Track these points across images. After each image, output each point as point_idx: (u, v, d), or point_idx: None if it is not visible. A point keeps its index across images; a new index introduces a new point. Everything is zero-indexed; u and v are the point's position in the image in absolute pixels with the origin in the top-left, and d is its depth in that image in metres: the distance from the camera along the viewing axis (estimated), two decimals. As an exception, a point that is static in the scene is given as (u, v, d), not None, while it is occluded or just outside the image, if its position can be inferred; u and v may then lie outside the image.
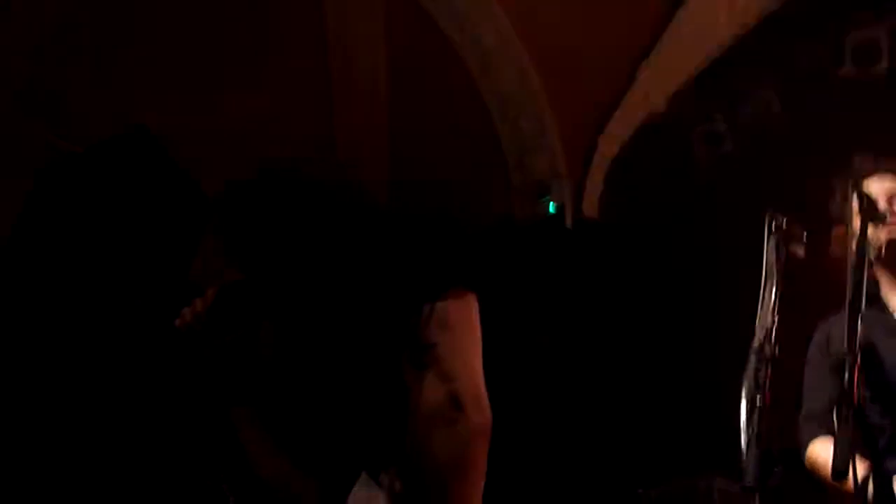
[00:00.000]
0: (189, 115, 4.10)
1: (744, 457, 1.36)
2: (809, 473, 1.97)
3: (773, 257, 1.73)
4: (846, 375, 1.32)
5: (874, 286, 2.00)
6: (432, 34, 5.14)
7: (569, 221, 5.17)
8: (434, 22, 5.14)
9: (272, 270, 1.22)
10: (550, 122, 5.27)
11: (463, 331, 1.04)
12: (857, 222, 1.89)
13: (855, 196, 1.86)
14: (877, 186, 1.92)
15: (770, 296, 1.65)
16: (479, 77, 5.32)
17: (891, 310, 1.97)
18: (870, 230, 1.83)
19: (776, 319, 1.57)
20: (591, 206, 5.31)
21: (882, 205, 1.94)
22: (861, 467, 1.39)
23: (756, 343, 1.56)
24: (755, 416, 1.40)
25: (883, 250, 1.92)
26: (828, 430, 1.93)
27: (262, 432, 1.31)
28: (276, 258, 1.22)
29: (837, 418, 1.29)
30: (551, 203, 5.20)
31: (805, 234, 1.72)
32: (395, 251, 1.11)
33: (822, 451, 1.90)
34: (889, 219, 1.93)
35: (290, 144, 4.82)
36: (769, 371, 1.47)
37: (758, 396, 1.43)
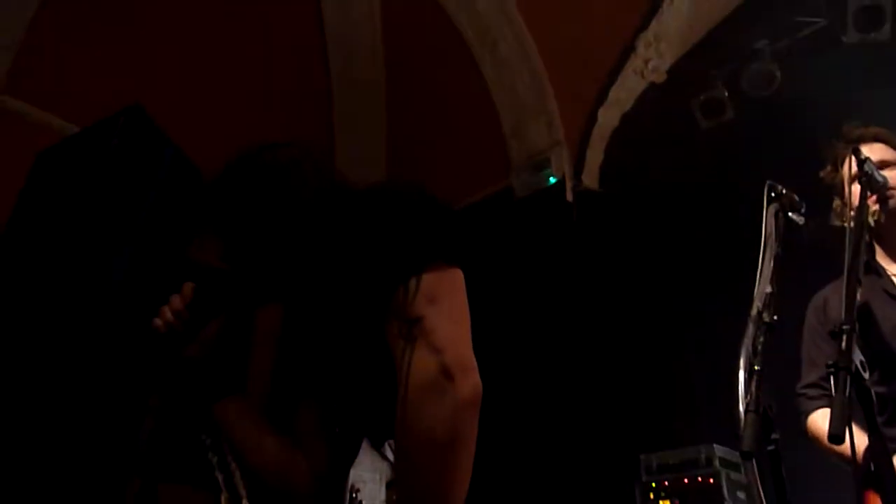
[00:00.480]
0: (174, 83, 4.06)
1: (741, 422, 1.37)
2: (811, 442, 1.99)
3: (771, 226, 1.73)
4: (843, 342, 1.33)
5: (870, 252, 2.01)
6: (427, 2, 5.08)
7: (569, 194, 5.15)
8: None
9: (254, 251, 1.24)
10: (548, 90, 5.22)
11: (450, 303, 1.06)
12: (854, 189, 1.89)
13: (854, 163, 1.86)
14: (866, 154, 1.92)
15: (769, 264, 1.65)
16: (476, 45, 5.26)
17: (888, 274, 1.98)
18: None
19: (775, 287, 1.58)
20: (591, 177, 5.28)
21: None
22: (858, 433, 1.41)
23: (754, 310, 1.56)
24: (753, 383, 1.41)
25: (879, 217, 1.92)
26: (827, 399, 1.95)
27: (250, 421, 1.34)
28: (256, 239, 1.23)
29: (834, 385, 1.30)
30: (550, 175, 5.18)
31: (803, 204, 1.72)
32: (377, 226, 1.12)
33: (822, 420, 1.93)
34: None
35: (283, 106, 4.78)
36: (767, 338, 1.48)
37: (755, 363, 1.44)
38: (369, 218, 1.13)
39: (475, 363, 1.04)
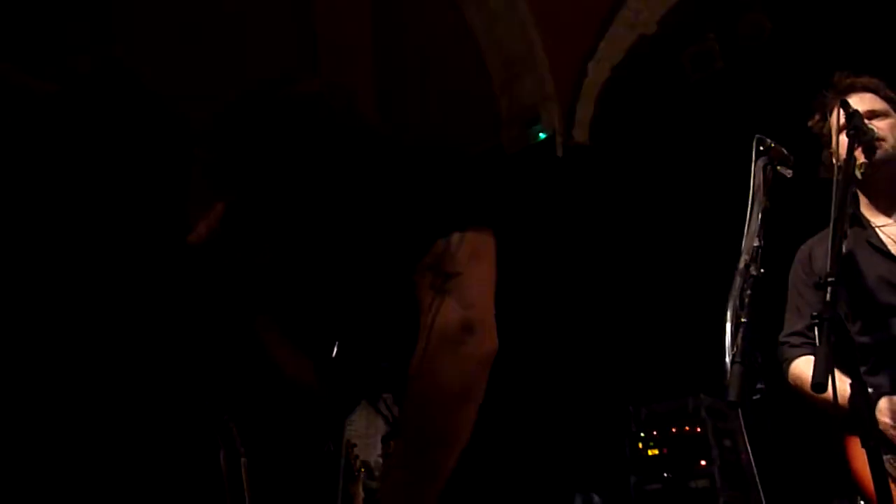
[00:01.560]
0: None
1: (728, 373, 1.39)
2: (793, 389, 2.03)
3: (759, 179, 1.74)
4: (828, 293, 1.36)
5: (854, 204, 2.02)
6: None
7: (559, 149, 5.14)
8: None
9: (274, 196, 1.20)
10: (538, 44, 5.16)
11: (485, 265, 1.08)
12: (842, 140, 1.89)
13: (842, 114, 1.85)
14: (855, 104, 1.91)
15: (756, 217, 1.67)
16: (465, 0, 5.17)
17: (872, 226, 1.99)
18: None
19: (762, 240, 1.60)
20: (581, 132, 5.26)
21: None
22: (840, 381, 1.44)
23: (741, 263, 1.58)
24: (739, 334, 1.44)
25: (866, 168, 1.92)
26: (809, 347, 1.99)
27: (282, 335, 1.36)
28: (276, 183, 1.19)
29: (818, 335, 1.33)
30: (541, 130, 5.16)
31: (792, 157, 1.72)
32: (424, 176, 1.13)
33: (804, 368, 1.96)
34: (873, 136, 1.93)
35: (263, 64, 4.70)
36: (754, 290, 1.50)
37: (742, 315, 1.47)
38: (416, 167, 1.13)
39: (495, 326, 1.07)
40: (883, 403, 1.78)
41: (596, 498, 4.22)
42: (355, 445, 2.84)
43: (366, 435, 2.92)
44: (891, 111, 2.04)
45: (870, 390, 1.74)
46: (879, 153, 1.96)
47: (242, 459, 2.13)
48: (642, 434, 4.33)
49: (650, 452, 4.27)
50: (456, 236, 1.05)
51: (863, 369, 1.89)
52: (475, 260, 1.05)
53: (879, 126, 1.98)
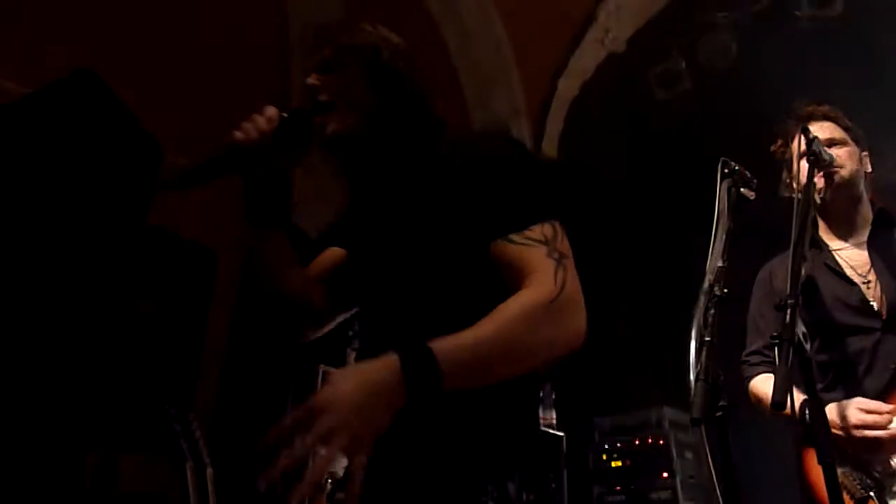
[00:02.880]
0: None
1: (692, 391, 1.43)
2: (753, 405, 2.09)
3: (724, 201, 1.80)
4: (787, 315, 1.41)
5: (814, 227, 2.10)
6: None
7: (528, 161, 5.19)
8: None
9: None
10: (510, 59, 5.22)
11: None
12: (802, 166, 1.95)
13: (802, 140, 1.92)
14: (815, 131, 1.98)
15: (721, 238, 1.72)
16: (438, 12, 5.22)
17: (829, 249, 2.07)
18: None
19: (726, 261, 1.65)
20: (551, 146, 5.34)
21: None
22: (799, 400, 1.49)
23: (706, 283, 1.63)
24: (703, 353, 1.48)
25: (825, 193, 1.99)
26: (768, 366, 2.05)
27: (291, 252, 1.45)
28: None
29: (778, 355, 1.37)
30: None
31: (755, 180, 1.78)
32: (527, 166, 1.30)
33: (763, 385, 2.02)
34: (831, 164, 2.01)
35: (243, 67, 4.69)
36: (717, 310, 1.55)
37: (706, 334, 1.51)
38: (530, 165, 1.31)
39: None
40: (833, 410, 1.85)
41: None
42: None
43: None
44: (849, 139, 2.13)
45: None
46: (837, 179, 2.04)
47: (209, 470, 2.11)
48: (606, 445, 4.39)
49: (613, 464, 4.33)
50: (557, 226, 1.22)
51: (820, 386, 1.96)
52: (571, 255, 1.21)
53: (838, 153, 2.06)
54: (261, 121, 1.35)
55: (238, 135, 1.34)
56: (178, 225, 4.16)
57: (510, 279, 1.18)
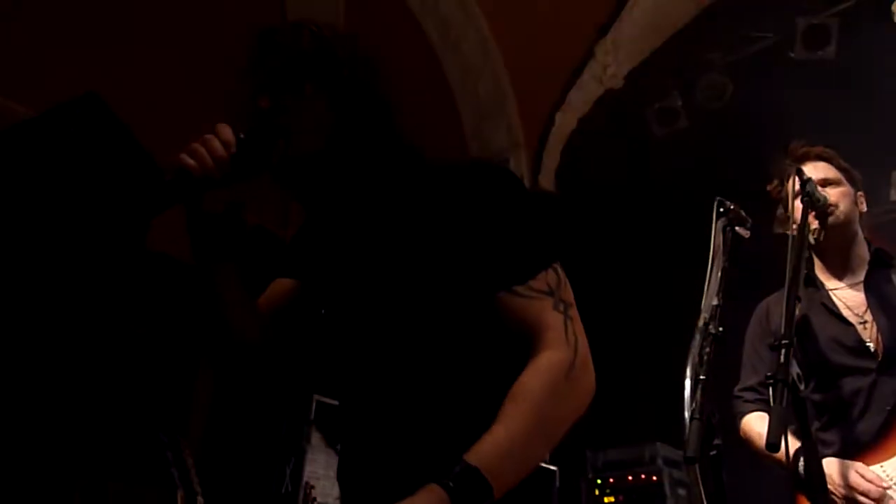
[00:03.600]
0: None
1: (686, 429, 1.43)
2: (743, 442, 2.09)
3: (720, 239, 1.82)
4: (782, 355, 1.41)
5: (809, 266, 2.11)
6: (391, 1, 5.08)
7: (526, 194, 5.23)
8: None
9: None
10: (509, 92, 5.29)
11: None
12: (796, 205, 1.97)
13: (797, 180, 1.94)
14: (809, 172, 2.00)
15: (716, 276, 1.73)
16: (439, 44, 5.29)
17: (826, 289, 2.08)
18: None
19: (721, 299, 1.66)
20: (547, 180, 5.38)
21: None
22: (793, 440, 1.49)
23: (701, 321, 1.64)
24: (698, 391, 1.49)
25: (819, 234, 2.01)
26: (762, 404, 2.05)
27: (242, 291, 1.30)
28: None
29: (773, 395, 1.38)
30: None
31: (749, 219, 1.80)
32: (527, 209, 1.21)
33: (756, 424, 2.02)
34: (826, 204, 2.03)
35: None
36: (713, 348, 1.56)
37: (701, 372, 1.52)
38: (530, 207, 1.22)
39: None
40: (833, 466, 1.84)
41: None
42: (313, 487, 2.80)
43: (325, 476, 2.89)
44: (843, 180, 2.15)
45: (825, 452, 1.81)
46: (831, 219, 2.05)
47: (199, 499, 2.09)
48: (598, 480, 4.35)
49: (606, 500, 4.29)
50: (559, 269, 1.17)
51: (816, 426, 1.96)
52: (573, 300, 1.17)
53: (832, 194, 2.08)
54: (216, 145, 1.15)
55: (189, 161, 1.14)
56: (175, 246, 4.17)
57: (519, 332, 1.14)
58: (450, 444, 1.05)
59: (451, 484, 0.98)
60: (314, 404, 2.98)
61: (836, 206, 2.08)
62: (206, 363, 4.24)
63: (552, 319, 1.12)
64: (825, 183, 2.10)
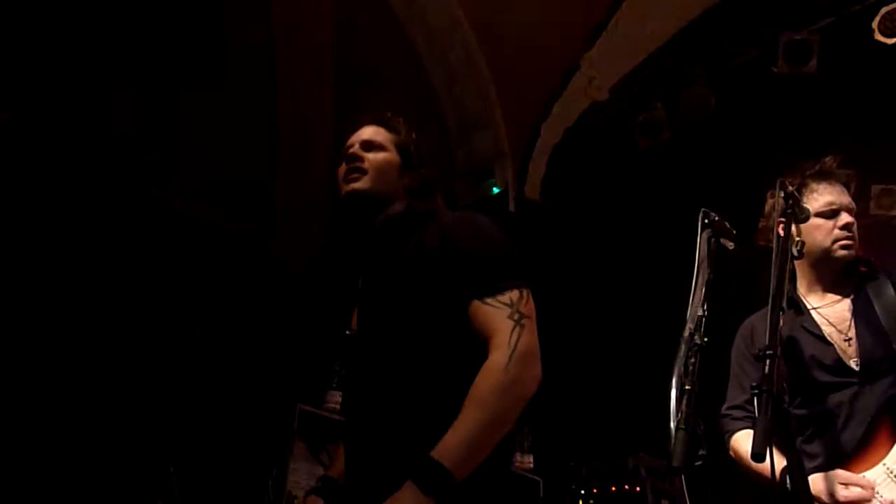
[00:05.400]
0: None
1: (671, 440, 1.43)
2: (734, 461, 2.07)
3: (704, 251, 1.82)
4: (766, 366, 1.42)
5: (793, 282, 2.11)
6: (377, 10, 5.09)
7: (511, 204, 5.24)
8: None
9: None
10: (495, 103, 5.31)
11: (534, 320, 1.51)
12: (780, 220, 1.98)
13: (781, 195, 1.95)
14: (823, 192, 2.01)
15: (701, 287, 1.74)
16: (425, 54, 5.31)
17: (807, 308, 2.09)
18: (793, 228, 1.94)
19: (706, 310, 1.66)
20: (533, 189, 5.40)
21: (822, 207, 2.04)
22: (778, 453, 1.49)
23: (686, 332, 1.64)
24: (683, 402, 1.49)
25: (802, 246, 2.01)
26: (750, 421, 2.04)
27: None
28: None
29: (757, 406, 1.38)
30: (494, 185, 5.27)
31: (734, 231, 1.81)
32: (501, 243, 1.57)
33: (745, 442, 2.00)
34: (833, 236, 2.03)
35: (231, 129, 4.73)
36: (698, 359, 1.56)
37: (686, 382, 1.52)
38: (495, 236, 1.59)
39: None
40: (819, 481, 1.85)
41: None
42: (296, 497, 2.77)
43: (307, 486, 2.86)
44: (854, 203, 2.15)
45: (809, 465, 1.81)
46: (852, 252, 2.06)
47: (181, 510, 2.05)
48: (582, 491, 4.35)
49: (590, 510, 4.29)
50: (524, 291, 1.49)
51: (799, 439, 1.97)
52: (533, 314, 1.47)
53: (852, 224, 2.08)
54: None
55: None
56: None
57: (479, 336, 1.46)
58: (431, 436, 1.34)
59: (422, 479, 1.29)
60: (298, 414, 2.95)
61: (857, 239, 2.08)
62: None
63: (503, 325, 1.44)
64: (851, 213, 2.09)
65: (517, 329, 1.43)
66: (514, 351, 1.40)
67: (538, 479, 4.19)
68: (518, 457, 4.14)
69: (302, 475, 2.89)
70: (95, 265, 3.41)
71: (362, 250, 1.70)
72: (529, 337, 1.44)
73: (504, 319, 1.44)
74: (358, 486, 1.50)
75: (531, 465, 4.26)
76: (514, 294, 1.47)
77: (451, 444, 1.32)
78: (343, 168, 1.70)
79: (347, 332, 1.68)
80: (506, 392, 1.38)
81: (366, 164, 1.66)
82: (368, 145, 1.71)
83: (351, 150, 1.69)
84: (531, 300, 1.49)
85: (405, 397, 1.46)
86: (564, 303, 4.84)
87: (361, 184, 1.65)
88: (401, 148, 1.73)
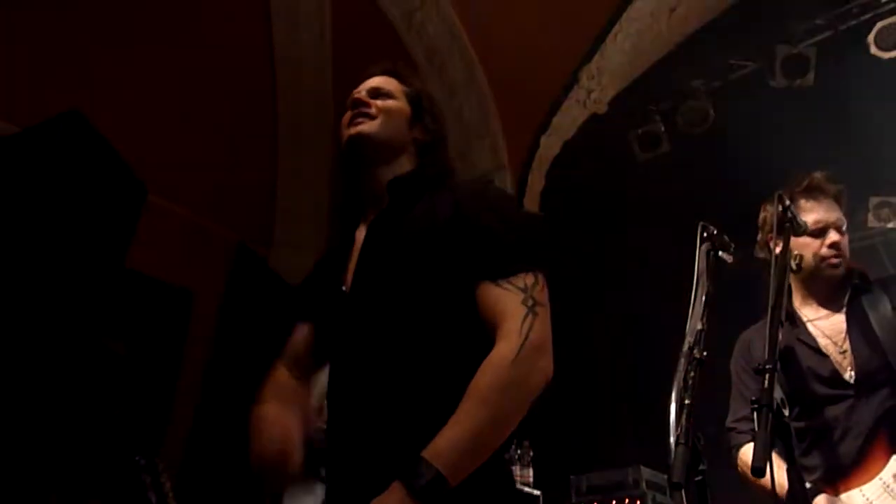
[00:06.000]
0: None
1: (671, 454, 1.43)
2: (742, 476, 2.06)
3: (703, 264, 1.82)
4: (765, 380, 1.42)
5: (789, 296, 2.11)
6: (378, 21, 5.12)
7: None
8: (379, 10, 5.12)
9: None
10: (494, 115, 5.33)
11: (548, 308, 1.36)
12: (779, 233, 1.98)
13: (779, 207, 1.96)
14: (811, 210, 2.02)
15: (700, 300, 1.74)
16: (425, 65, 5.33)
17: (803, 322, 2.10)
18: (791, 241, 1.94)
19: (705, 324, 1.66)
20: (532, 201, 5.41)
21: (810, 224, 2.02)
22: (779, 466, 1.49)
23: (686, 346, 1.63)
24: (683, 416, 1.48)
25: (800, 260, 2.02)
26: (753, 435, 2.03)
27: None
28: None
29: (757, 421, 1.38)
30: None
31: (732, 244, 1.81)
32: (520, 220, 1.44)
33: (750, 453, 1.99)
34: (820, 254, 2.04)
35: (231, 129, 4.74)
36: (697, 373, 1.55)
37: (686, 396, 1.51)
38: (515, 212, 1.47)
39: None
40: (820, 502, 1.85)
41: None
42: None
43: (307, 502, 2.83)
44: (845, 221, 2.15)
45: (807, 485, 1.81)
46: (839, 271, 2.07)
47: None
48: (582, 504, 4.33)
49: (589, 524, 4.26)
50: (540, 276, 1.34)
51: (797, 452, 1.97)
52: (547, 303, 1.33)
53: (843, 242, 2.09)
54: None
55: None
56: (155, 266, 4.13)
57: (486, 321, 1.31)
58: (425, 432, 1.19)
59: (411, 481, 1.13)
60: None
61: (846, 256, 2.09)
62: (186, 386, 4.18)
63: (515, 310, 1.28)
64: (840, 231, 2.10)
65: (530, 317, 1.27)
66: (525, 341, 1.25)
67: (537, 492, 4.17)
68: (518, 470, 4.13)
69: (296, 496, 2.86)
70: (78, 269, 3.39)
71: (365, 205, 1.54)
72: (542, 327, 1.29)
73: (517, 305, 1.28)
74: (339, 484, 1.35)
75: (531, 479, 4.24)
76: (529, 278, 1.32)
77: (447, 444, 1.17)
78: (348, 115, 1.55)
79: (343, 289, 1.47)
80: (511, 388, 1.22)
81: (373, 110, 1.52)
82: (376, 92, 1.57)
83: (357, 96, 1.55)
84: (546, 288, 1.34)
85: (397, 384, 1.30)
86: (563, 314, 4.85)
87: (367, 127, 1.50)
88: (412, 98, 1.59)
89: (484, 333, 1.30)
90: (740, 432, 2.09)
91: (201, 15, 4.43)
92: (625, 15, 4.84)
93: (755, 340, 2.14)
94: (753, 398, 1.46)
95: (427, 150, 1.56)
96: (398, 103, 1.57)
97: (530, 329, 1.26)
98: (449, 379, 1.27)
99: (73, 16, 3.86)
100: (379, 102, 1.54)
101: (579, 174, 5.26)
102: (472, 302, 1.33)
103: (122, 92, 3.97)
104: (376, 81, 1.60)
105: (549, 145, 5.38)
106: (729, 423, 2.14)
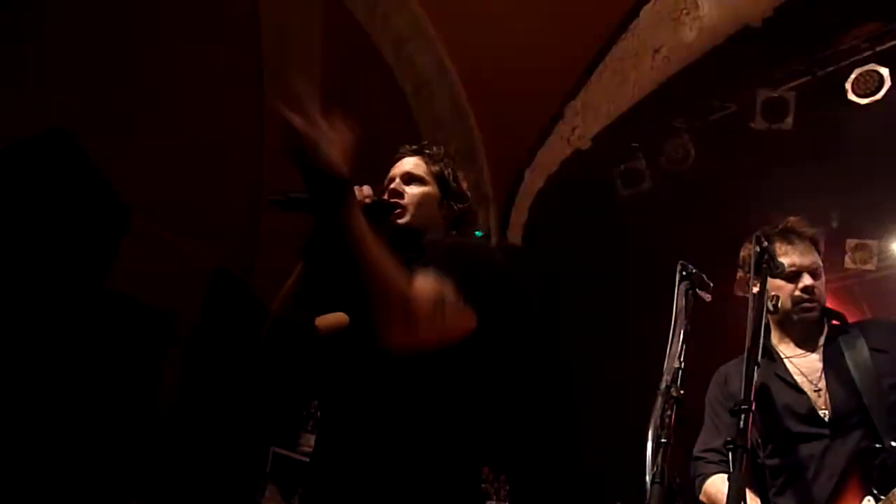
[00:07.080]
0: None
1: (647, 493, 1.42)
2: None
3: (681, 302, 1.83)
4: (741, 421, 1.42)
5: (767, 334, 2.13)
6: (367, 53, 5.18)
7: (493, 248, 5.27)
8: (370, 42, 5.18)
9: None
10: (479, 148, 5.39)
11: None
12: (756, 273, 2.00)
13: (757, 248, 1.98)
14: (786, 253, 2.04)
15: (678, 339, 1.74)
16: (412, 98, 5.38)
17: (781, 358, 2.12)
18: (769, 282, 1.96)
19: (682, 363, 1.66)
20: (515, 234, 5.44)
21: (786, 267, 2.04)
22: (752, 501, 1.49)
23: (663, 384, 1.64)
24: (660, 454, 1.48)
25: (777, 300, 2.04)
26: (726, 465, 2.03)
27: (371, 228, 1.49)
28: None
29: (732, 461, 1.38)
30: (476, 229, 5.30)
31: (711, 283, 1.83)
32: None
33: (720, 485, 2.00)
34: (794, 297, 2.07)
35: (217, 152, 4.74)
36: (674, 411, 1.56)
37: (662, 435, 1.51)
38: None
39: None
40: None
41: None
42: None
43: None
44: (822, 265, 2.18)
45: None
46: (813, 314, 2.09)
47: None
48: (559, 541, 4.28)
49: (566, 561, 4.21)
50: (469, 309, 1.46)
51: (772, 490, 1.97)
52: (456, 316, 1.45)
53: (817, 286, 2.11)
54: (364, 191, 1.63)
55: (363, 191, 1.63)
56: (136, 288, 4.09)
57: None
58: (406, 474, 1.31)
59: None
60: (271, 456, 2.90)
61: (820, 300, 2.11)
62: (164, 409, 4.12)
63: (426, 290, 1.41)
64: (814, 275, 2.12)
65: (439, 305, 1.41)
66: (441, 301, 1.40)
67: (514, 528, 4.12)
68: (494, 504, 4.09)
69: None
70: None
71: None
72: (431, 295, 1.41)
73: (431, 289, 1.42)
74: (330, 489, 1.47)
75: (507, 514, 4.20)
76: (461, 303, 1.45)
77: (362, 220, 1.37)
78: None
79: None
80: (393, 283, 1.36)
81: (405, 200, 1.72)
82: (409, 178, 1.77)
83: (392, 186, 1.75)
84: (463, 314, 1.47)
85: (387, 421, 1.44)
86: (544, 348, 4.84)
87: (402, 221, 1.70)
88: (440, 179, 1.78)
89: (475, 385, 1.46)
90: (709, 462, 2.09)
91: (186, 36, 4.45)
92: (609, 54, 4.93)
93: (732, 376, 2.15)
94: (728, 439, 1.47)
95: (454, 226, 1.77)
96: (428, 189, 1.76)
97: (433, 305, 1.40)
98: (437, 424, 1.40)
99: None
100: (409, 190, 1.74)
101: (562, 208, 5.30)
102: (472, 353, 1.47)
103: (107, 111, 3.95)
104: (408, 165, 1.79)
105: (533, 179, 5.44)
106: (697, 452, 2.14)
